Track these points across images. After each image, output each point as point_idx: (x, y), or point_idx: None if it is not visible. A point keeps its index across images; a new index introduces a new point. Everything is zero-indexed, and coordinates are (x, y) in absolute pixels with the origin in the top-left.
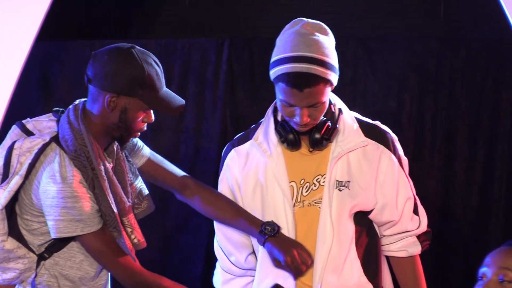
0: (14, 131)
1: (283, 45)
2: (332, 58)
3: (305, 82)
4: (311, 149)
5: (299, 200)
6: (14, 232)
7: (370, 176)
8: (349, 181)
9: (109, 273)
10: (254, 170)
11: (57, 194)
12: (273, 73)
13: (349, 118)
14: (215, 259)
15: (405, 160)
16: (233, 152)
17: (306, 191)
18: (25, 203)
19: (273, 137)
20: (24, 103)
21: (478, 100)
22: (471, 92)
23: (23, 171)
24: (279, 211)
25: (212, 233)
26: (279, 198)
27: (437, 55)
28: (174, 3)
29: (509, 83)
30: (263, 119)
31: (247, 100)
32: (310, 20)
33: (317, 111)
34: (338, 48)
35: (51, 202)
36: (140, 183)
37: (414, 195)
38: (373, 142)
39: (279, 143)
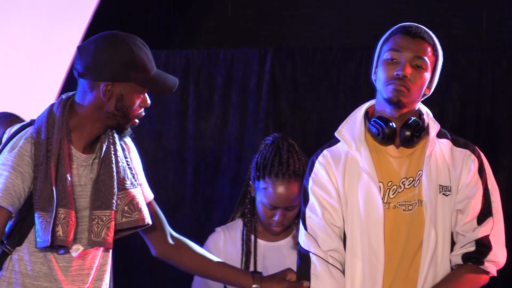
0: None
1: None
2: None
3: (419, 32)
4: (399, 146)
5: (385, 202)
6: None
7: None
8: (449, 186)
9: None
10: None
11: None
12: (384, 40)
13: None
14: None
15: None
16: (325, 152)
17: (393, 194)
18: None
19: (359, 132)
20: None
21: None
22: None
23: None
24: (371, 211)
25: None
26: (373, 195)
27: (479, 66)
28: (217, 14)
29: None
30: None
31: (289, 110)
32: None
33: (417, 75)
34: None
35: None
36: (138, 194)
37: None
38: (462, 149)
39: (365, 140)
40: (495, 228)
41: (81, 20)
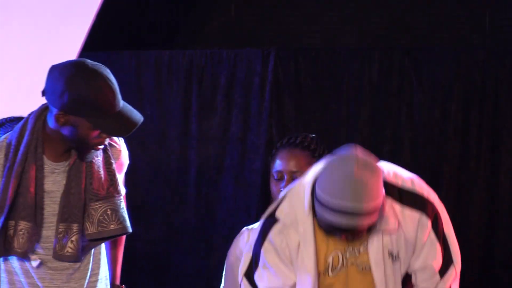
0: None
1: (330, 183)
2: (377, 198)
3: (350, 235)
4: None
5: (345, 265)
6: None
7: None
8: (397, 251)
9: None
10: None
11: None
12: (318, 207)
13: (389, 204)
14: None
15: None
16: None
17: (350, 255)
18: None
19: (302, 211)
20: None
21: None
22: None
23: None
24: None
25: None
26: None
27: (482, 66)
28: (220, 14)
29: None
30: None
31: (292, 110)
32: (360, 158)
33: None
34: (385, 58)
35: None
36: (115, 204)
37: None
38: (412, 212)
39: (311, 216)
40: (457, 275)
41: (84, 20)
